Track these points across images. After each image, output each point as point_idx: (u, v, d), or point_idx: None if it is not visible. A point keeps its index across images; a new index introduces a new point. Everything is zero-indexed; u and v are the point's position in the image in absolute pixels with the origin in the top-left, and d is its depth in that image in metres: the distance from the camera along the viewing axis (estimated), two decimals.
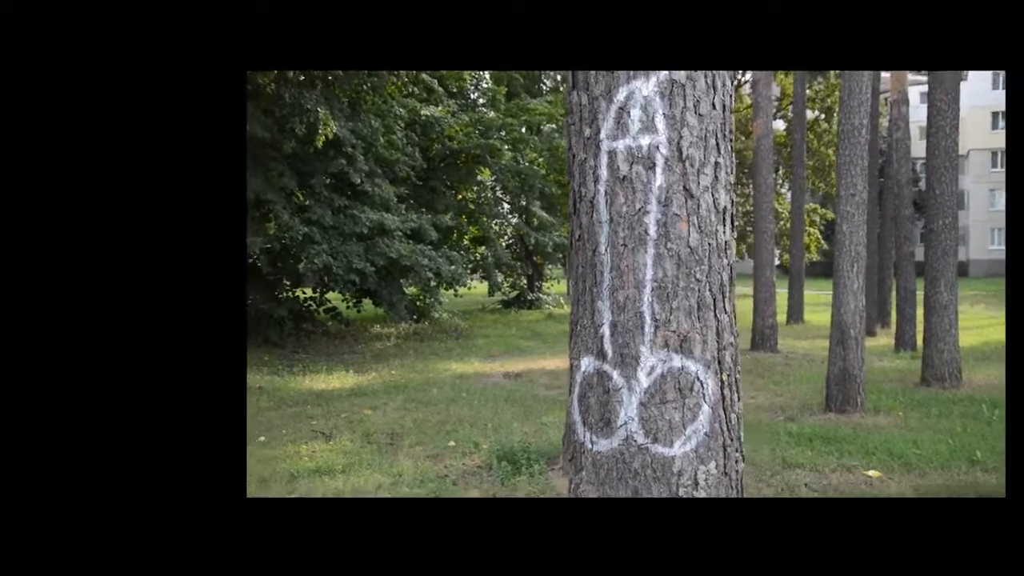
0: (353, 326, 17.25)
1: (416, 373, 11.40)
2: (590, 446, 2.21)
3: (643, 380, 2.11)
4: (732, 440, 2.17)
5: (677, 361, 2.10)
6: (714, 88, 2.15)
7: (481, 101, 21.26)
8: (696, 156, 2.11)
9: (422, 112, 16.73)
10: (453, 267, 14.74)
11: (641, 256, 2.11)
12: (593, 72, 2.19)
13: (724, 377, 2.16)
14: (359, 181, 14.15)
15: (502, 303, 24.28)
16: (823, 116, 30.07)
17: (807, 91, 23.75)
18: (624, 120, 2.13)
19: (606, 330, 2.17)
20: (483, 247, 18.27)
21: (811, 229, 29.87)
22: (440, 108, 17.53)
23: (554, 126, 19.96)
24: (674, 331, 2.10)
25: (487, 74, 22.04)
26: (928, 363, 9.28)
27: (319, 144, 13.14)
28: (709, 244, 2.13)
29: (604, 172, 2.17)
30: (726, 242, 2.17)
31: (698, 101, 2.12)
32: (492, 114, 18.99)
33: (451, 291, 16.98)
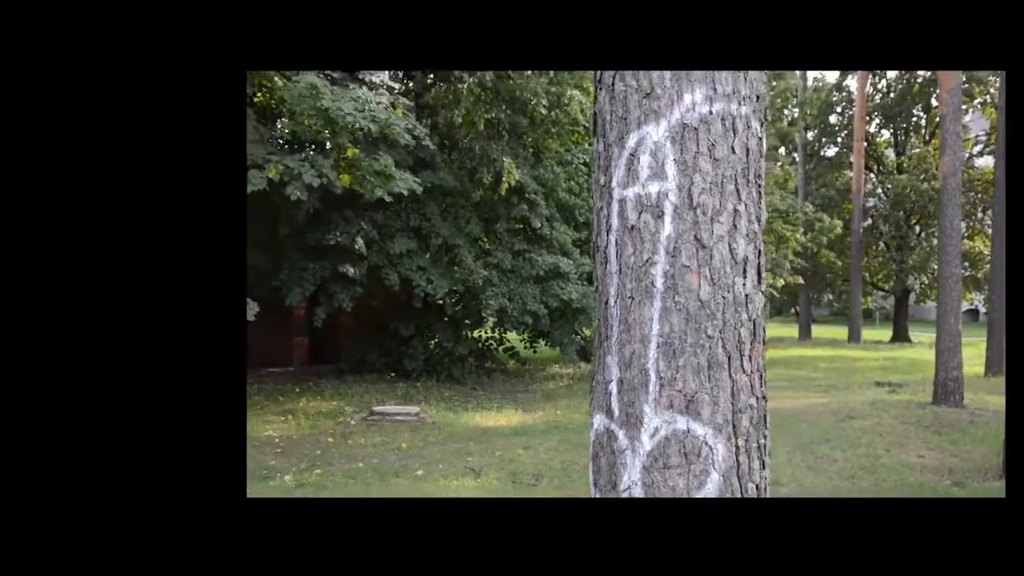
0: (531, 365, 17.33)
1: (580, 414, 11.23)
2: None
3: (646, 442, 1.91)
4: None
5: (682, 423, 1.88)
6: (734, 131, 1.94)
7: None
8: (709, 203, 1.91)
9: None
10: None
11: (647, 309, 1.92)
12: (609, 117, 2.04)
13: (740, 443, 1.91)
14: (539, 225, 14.28)
15: None
16: None
17: None
18: (634, 167, 1.96)
19: (614, 387, 1.99)
20: None
21: None
22: None
23: None
24: (680, 391, 1.89)
25: None
26: None
27: (503, 191, 13.41)
28: (723, 297, 1.90)
29: (615, 221, 2.00)
30: (747, 295, 1.94)
31: (713, 145, 1.92)
32: None
33: None
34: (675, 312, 1.89)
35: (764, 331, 2.01)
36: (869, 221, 30.03)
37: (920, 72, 28.86)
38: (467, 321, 15.20)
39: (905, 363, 18.94)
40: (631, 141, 1.97)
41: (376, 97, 10.76)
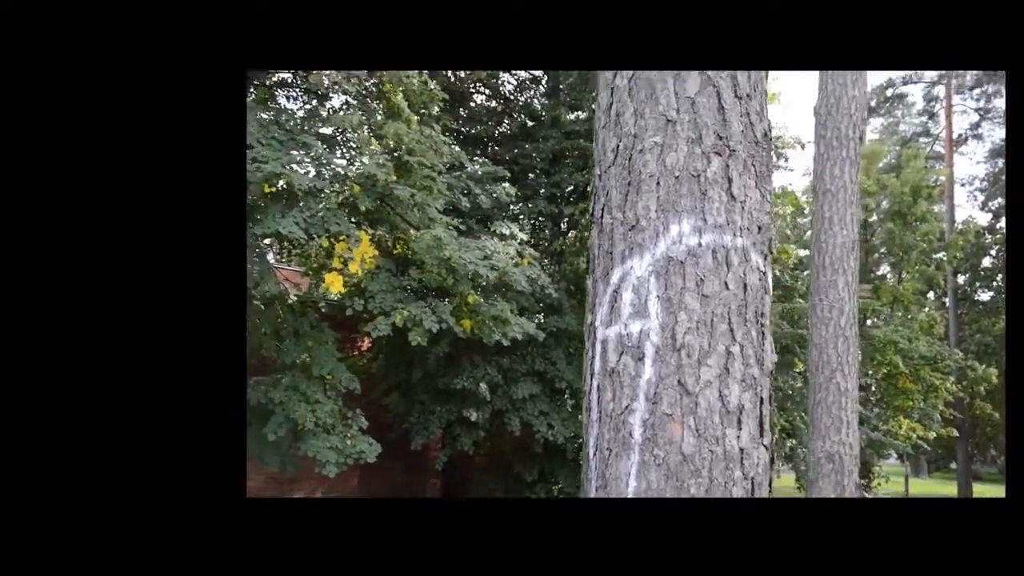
0: None
1: None
2: None
3: None
4: None
5: None
6: (727, 264, 1.72)
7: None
8: (695, 344, 1.67)
9: None
10: None
11: (624, 463, 1.67)
12: (597, 251, 1.87)
13: None
14: None
15: None
16: None
17: None
18: (617, 304, 1.76)
19: None
20: None
21: None
22: None
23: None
24: None
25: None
26: None
27: None
28: (711, 452, 1.63)
29: (597, 363, 1.79)
30: (741, 449, 1.65)
31: (702, 280, 1.70)
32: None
33: None
34: (653, 467, 1.63)
35: (770, 490, 1.71)
36: None
37: None
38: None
39: None
40: (614, 277, 1.78)
41: (504, 247, 10.96)
